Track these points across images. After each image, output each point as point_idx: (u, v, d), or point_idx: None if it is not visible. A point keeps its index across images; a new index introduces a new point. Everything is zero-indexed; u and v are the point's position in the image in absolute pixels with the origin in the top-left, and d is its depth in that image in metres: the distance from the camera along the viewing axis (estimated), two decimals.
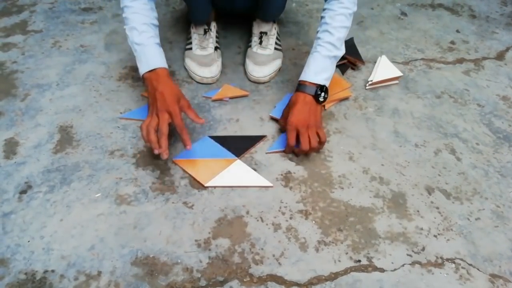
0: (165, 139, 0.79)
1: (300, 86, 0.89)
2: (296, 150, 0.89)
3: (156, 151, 0.79)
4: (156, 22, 0.90)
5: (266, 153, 0.92)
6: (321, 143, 0.88)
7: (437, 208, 0.84)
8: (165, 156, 0.79)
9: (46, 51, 1.17)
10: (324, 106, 1.03)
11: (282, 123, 0.93)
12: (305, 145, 0.85)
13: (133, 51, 0.89)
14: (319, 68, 0.89)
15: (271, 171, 0.89)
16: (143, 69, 0.86)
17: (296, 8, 1.40)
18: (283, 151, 0.91)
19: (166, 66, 0.87)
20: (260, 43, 1.10)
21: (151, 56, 0.86)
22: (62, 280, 0.70)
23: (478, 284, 0.73)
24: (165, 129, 0.79)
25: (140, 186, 0.84)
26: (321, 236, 0.78)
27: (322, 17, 0.92)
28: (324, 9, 0.93)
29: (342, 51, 0.91)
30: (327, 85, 0.90)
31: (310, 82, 0.88)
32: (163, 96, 0.81)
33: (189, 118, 0.85)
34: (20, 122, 0.96)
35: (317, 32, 0.92)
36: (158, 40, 0.89)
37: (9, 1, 1.38)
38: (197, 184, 0.85)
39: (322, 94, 0.88)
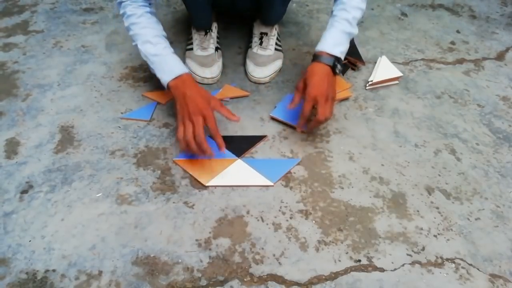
0: (206, 143, 0.80)
1: (318, 57, 0.88)
2: (310, 124, 0.87)
3: (201, 156, 0.82)
4: (165, 33, 0.92)
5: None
6: (327, 118, 0.86)
7: (437, 208, 0.84)
8: (213, 155, 0.82)
9: (47, 51, 1.18)
10: None
11: (298, 94, 0.88)
12: (323, 116, 0.84)
13: (149, 63, 0.89)
14: (336, 41, 0.89)
15: None
16: (167, 78, 0.86)
17: (297, 9, 1.41)
18: (295, 127, 0.85)
19: (189, 72, 0.88)
20: (261, 43, 1.11)
21: (173, 64, 0.87)
22: (63, 279, 0.70)
23: (478, 284, 0.73)
24: (202, 134, 0.80)
25: (141, 186, 0.85)
26: (321, 236, 0.78)
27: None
28: None
29: (356, 30, 0.91)
30: (342, 59, 0.90)
31: (328, 53, 0.87)
32: (194, 100, 0.82)
33: (224, 116, 0.86)
34: (21, 122, 0.96)
35: (332, 11, 0.92)
36: (172, 50, 0.90)
37: (10, 1, 1.38)
38: (197, 184, 0.85)
39: (339, 66, 0.89)
